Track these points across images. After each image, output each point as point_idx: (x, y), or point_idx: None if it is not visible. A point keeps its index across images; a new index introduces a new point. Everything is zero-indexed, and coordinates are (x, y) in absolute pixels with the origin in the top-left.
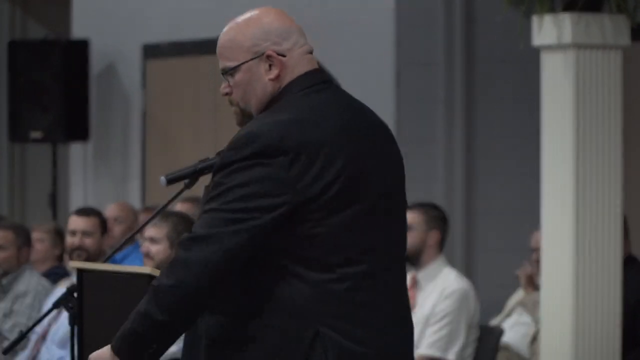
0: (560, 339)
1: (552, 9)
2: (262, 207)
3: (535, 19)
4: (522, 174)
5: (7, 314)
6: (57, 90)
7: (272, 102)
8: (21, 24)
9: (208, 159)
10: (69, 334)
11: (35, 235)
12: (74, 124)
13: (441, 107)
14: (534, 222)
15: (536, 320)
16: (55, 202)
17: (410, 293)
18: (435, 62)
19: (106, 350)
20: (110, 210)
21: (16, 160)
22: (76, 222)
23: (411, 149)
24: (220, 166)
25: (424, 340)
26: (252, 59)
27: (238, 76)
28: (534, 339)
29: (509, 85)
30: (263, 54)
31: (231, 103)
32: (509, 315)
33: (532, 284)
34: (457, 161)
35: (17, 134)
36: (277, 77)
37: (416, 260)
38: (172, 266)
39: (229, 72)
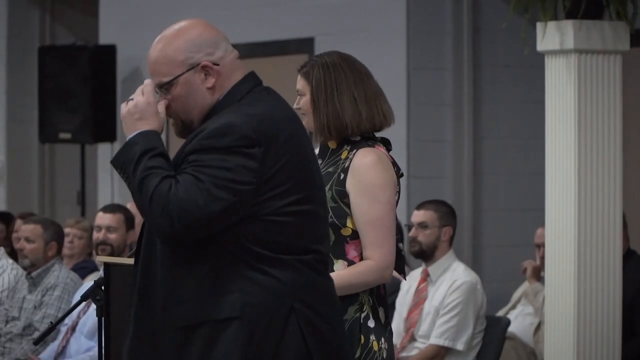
0: (563, 329)
1: (554, 17)
2: (237, 190)
3: (539, 26)
4: (527, 172)
5: (37, 306)
6: (85, 93)
7: (218, 107)
8: (51, 31)
9: None
10: (97, 326)
11: (73, 231)
12: (101, 126)
13: (450, 109)
14: (538, 218)
15: (537, 309)
16: (83, 199)
17: (421, 286)
18: (444, 67)
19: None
20: (134, 207)
21: (46, 160)
22: (102, 219)
23: (421, 149)
24: (197, 150)
25: (434, 331)
26: (187, 71)
27: (175, 90)
28: (537, 328)
29: (514, 89)
30: (198, 65)
31: (169, 116)
32: (514, 307)
33: (537, 276)
34: (465, 160)
35: (47, 135)
36: (214, 86)
37: (430, 255)
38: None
39: (164, 86)
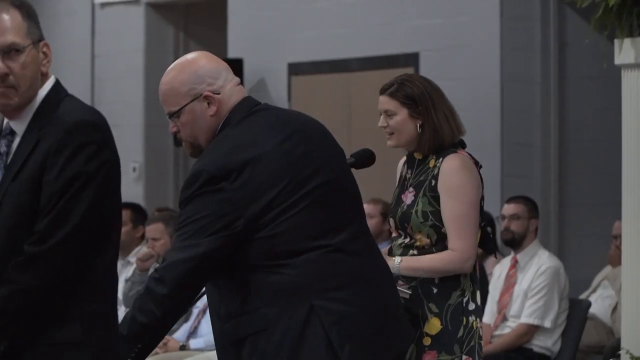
0: (637, 310)
1: (630, 34)
2: (221, 226)
3: (616, 42)
4: (606, 172)
5: None
6: None
7: (219, 131)
8: (184, 46)
9: (347, 159)
10: None
11: None
12: None
13: (538, 116)
14: (616, 212)
15: (617, 291)
16: None
17: (511, 272)
18: (533, 79)
19: None
20: None
21: (181, 162)
22: None
23: (513, 151)
24: (180, 203)
25: (524, 311)
26: (192, 101)
27: (183, 117)
28: (614, 309)
29: (595, 98)
30: (200, 95)
31: (181, 139)
32: (594, 290)
33: (619, 261)
34: (552, 161)
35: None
36: (216, 112)
37: (519, 243)
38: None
39: (174, 115)
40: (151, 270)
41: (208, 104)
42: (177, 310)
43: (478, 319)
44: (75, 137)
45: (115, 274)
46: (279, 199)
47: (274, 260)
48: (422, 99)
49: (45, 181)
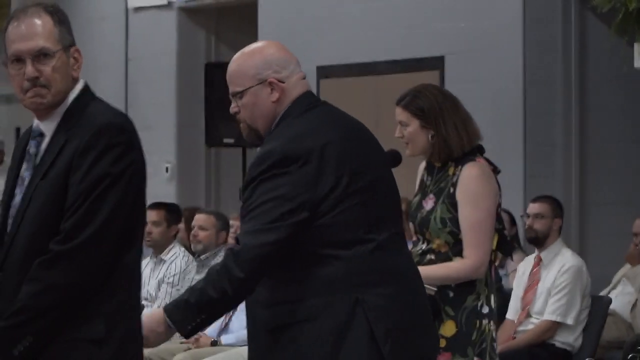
0: None
1: None
2: (290, 209)
3: (636, 46)
4: (626, 172)
5: None
6: None
7: (280, 120)
8: (215, 49)
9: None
10: None
11: (236, 223)
12: None
13: (560, 117)
14: (636, 211)
15: (637, 288)
16: None
17: (535, 269)
18: (555, 81)
19: (159, 311)
20: None
21: (212, 162)
22: None
23: (536, 152)
24: (247, 182)
25: (547, 308)
26: (256, 85)
27: (245, 99)
28: (634, 305)
29: (615, 99)
30: (266, 80)
31: (239, 121)
32: (614, 287)
33: (637, 259)
34: (573, 161)
35: (213, 140)
36: (278, 99)
37: (543, 242)
38: (230, 258)
39: (237, 95)
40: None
41: (272, 90)
42: (247, 294)
43: (491, 322)
44: (102, 139)
45: (139, 271)
46: (338, 190)
47: (325, 249)
48: (430, 111)
49: (72, 181)
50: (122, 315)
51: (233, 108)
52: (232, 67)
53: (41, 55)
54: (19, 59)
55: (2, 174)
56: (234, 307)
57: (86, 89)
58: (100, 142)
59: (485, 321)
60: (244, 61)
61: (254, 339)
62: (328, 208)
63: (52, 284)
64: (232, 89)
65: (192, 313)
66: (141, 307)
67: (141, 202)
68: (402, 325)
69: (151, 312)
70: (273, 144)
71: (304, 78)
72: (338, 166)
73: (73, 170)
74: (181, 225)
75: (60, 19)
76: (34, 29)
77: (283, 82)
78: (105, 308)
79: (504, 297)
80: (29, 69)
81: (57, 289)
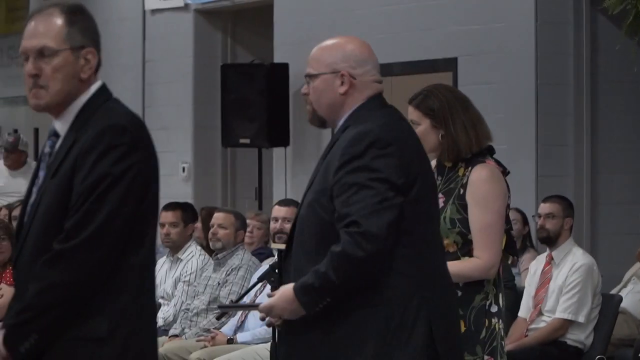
0: None
1: None
2: (393, 190)
3: None
4: (637, 172)
5: (222, 284)
6: (261, 104)
7: (356, 111)
8: (232, 51)
9: None
10: None
11: (253, 223)
12: (275, 132)
13: (572, 118)
14: None
15: None
16: (260, 195)
17: (546, 268)
18: (567, 82)
19: (290, 288)
20: None
21: (228, 162)
22: (278, 211)
23: (548, 152)
24: (344, 161)
25: (559, 306)
26: (329, 73)
27: (316, 83)
28: None
29: (626, 100)
30: (339, 72)
31: (306, 102)
32: (625, 285)
33: None
34: (585, 161)
35: (229, 140)
36: (346, 93)
37: (554, 241)
38: (356, 237)
39: (310, 77)
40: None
41: (342, 82)
42: (371, 276)
43: (500, 321)
44: (103, 139)
45: (149, 271)
46: (417, 184)
47: (400, 239)
48: (440, 110)
49: (75, 181)
50: (128, 314)
51: (304, 89)
52: (314, 50)
53: (43, 53)
54: (27, 58)
55: (26, 175)
56: (358, 287)
57: (102, 90)
58: (102, 142)
59: (494, 320)
60: (326, 49)
61: (302, 331)
62: (411, 198)
63: (53, 283)
64: (307, 70)
65: (317, 296)
66: (157, 306)
67: (150, 203)
68: (454, 329)
69: (282, 291)
70: (366, 126)
71: (379, 82)
72: (415, 161)
73: (77, 170)
74: (198, 225)
75: (73, 19)
76: (40, 28)
77: (355, 79)
78: (109, 307)
79: (517, 296)
80: (29, 66)
81: (58, 287)
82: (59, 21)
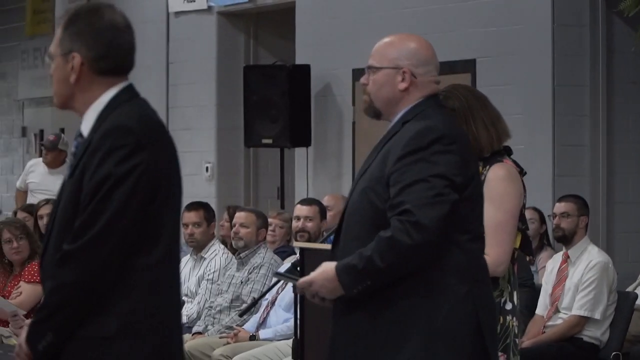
0: None
1: None
2: (449, 186)
3: None
4: None
5: (244, 282)
6: (283, 105)
7: (414, 107)
8: (254, 52)
9: None
10: (293, 300)
11: (275, 221)
12: (297, 132)
13: (587, 118)
14: None
15: None
16: (282, 194)
17: (563, 266)
18: (583, 84)
19: (332, 266)
20: (326, 200)
21: (251, 162)
22: (300, 210)
23: (564, 152)
24: (405, 153)
25: (575, 304)
26: (391, 68)
27: (376, 76)
28: None
29: None
30: (401, 68)
31: (364, 92)
32: None
33: None
34: (600, 161)
35: (251, 140)
36: (405, 89)
37: (570, 239)
38: (407, 225)
39: (371, 69)
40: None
41: (402, 79)
42: (414, 266)
43: (514, 319)
44: (107, 140)
45: (168, 270)
46: (473, 183)
47: (453, 236)
48: (460, 110)
49: (84, 182)
50: (139, 313)
51: (363, 79)
52: (379, 44)
53: (51, 57)
54: None
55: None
56: (399, 275)
57: (125, 91)
58: (105, 143)
59: (509, 317)
60: (392, 44)
61: (350, 314)
62: (465, 196)
63: (61, 282)
64: (370, 62)
65: (358, 279)
66: (181, 303)
67: (164, 202)
68: (495, 322)
69: (323, 268)
70: (431, 121)
71: (438, 83)
72: (472, 161)
73: (85, 170)
74: (225, 222)
75: (68, 24)
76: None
77: (415, 77)
78: (118, 307)
79: (536, 294)
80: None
81: (66, 287)
82: (61, 27)
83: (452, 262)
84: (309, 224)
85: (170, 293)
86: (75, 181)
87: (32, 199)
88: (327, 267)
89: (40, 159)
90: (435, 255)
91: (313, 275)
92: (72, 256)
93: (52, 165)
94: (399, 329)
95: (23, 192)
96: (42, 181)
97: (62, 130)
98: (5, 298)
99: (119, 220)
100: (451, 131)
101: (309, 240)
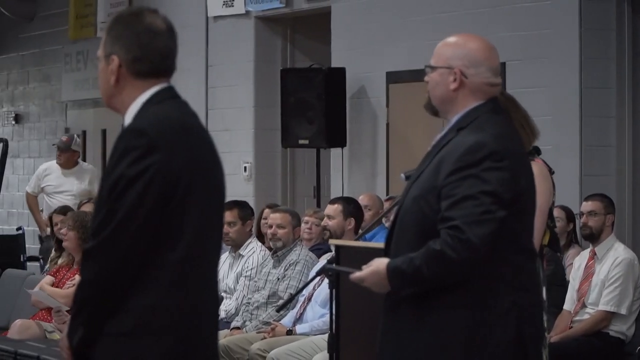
0: None
1: None
2: (498, 204)
3: None
4: None
5: (281, 278)
6: (319, 107)
7: (472, 111)
8: (291, 56)
9: None
10: (328, 296)
11: (311, 219)
12: (333, 134)
13: (614, 120)
14: None
15: None
16: (319, 193)
17: (589, 263)
18: (609, 86)
19: (384, 266)
20: (361, 200)
21: (288, 162)
22: (327, 209)
23: (591, 152)
24: (456, 169)
25: (602, 299)
26: (444, 67)
27: (433, 74)
28: None
29: None
30: (452, 68)
31: (426, 90)
32: None
33: None
34: (626, 161)
35: (288, 141)
36: (456, 90)
37: (597, 237)
38: (456, 242)
39: (429, 67)
40: None
41: (454, 79)
42: (460, 279)
43: (544, 314)
44: (122, 142)
45: (192, 271)
46: (523, 198)
47: (500, 250)
48: None
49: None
50: (159, 310)
51: (426, 77)
52: (440, 44)
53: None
54: None
55: (77, 175)
56: (444, 285)
57: (161, 92)
58: (120, 145)
59: None
60: (449, 44)
61: (398, 311)
62: (514, 211)
63: (83, 280)
64: (431, 60)
65: (405, 283)
66: (220, 299)
67: (177, 202)
68: (540, 331)
69: (376, 266)
70: (480, 135)
71: (493, 85)
72: (524, 174)
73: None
74: (268, 221)
75: (110, 27)
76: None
77: (466, 77)
78: (134, 304)
79: (564, 290)
80: None
81: (87, 284)
82: (105, 30)
83: (496, 273)
84: (330, 222)
85: (195, 292)
86: (103, 181)
87: (50, 202)
88: (379, 265)
89: (52, 162)
90: (481, 268)
91: (365, 272)
92: (92, 254)
93: (65, 166)
94: (440, 338)
95: (34, 197)
96: (60, 183)
97: (104, 132)
98: (59, 288)
99: (133, 220)
100: (503, 146)
101: (330, 237)
